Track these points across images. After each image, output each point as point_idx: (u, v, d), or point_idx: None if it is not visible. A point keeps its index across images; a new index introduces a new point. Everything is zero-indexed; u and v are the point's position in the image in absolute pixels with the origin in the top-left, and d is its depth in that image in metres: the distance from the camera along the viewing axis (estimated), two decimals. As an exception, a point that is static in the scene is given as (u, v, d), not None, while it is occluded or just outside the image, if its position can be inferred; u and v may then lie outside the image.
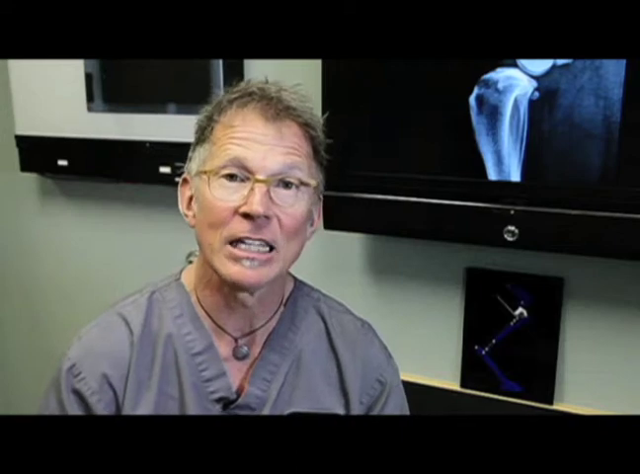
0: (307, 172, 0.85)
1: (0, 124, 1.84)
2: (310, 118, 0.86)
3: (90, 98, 1.64)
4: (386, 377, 0.97)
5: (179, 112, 1.54)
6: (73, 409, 0.87)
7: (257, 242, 0.81)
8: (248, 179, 0.81)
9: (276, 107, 0.83)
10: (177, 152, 1.54)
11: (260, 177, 0.81)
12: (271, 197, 0.81)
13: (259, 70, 1.51)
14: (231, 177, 0.82)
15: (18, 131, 1.76)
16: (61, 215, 1.89)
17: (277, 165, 0.82)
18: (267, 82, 0.87)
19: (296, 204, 0.84)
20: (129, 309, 0.91)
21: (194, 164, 0.87)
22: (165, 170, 1.58)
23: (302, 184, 0.84)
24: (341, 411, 0.93)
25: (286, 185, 0.83)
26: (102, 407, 0.87)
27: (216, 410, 0.89)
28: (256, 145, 0.82)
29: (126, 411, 0.87)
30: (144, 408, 0.87)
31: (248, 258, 0.81)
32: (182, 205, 0.90)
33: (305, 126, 0.85)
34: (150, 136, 1.58)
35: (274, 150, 0.82)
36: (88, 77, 1.64)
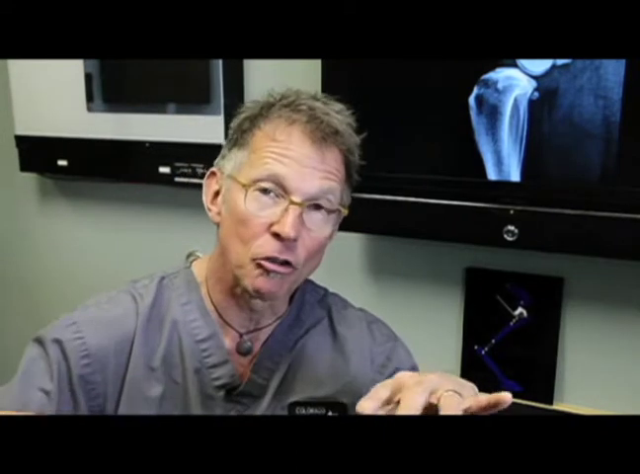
0: (339, 196, 0.86)
1: (0, 124, 1.84)
2: (352, 143, 0.87)
3: (90, 98, 1.64)
4: (397, 357, 0.97)
5: (179, 112, 1.54)
6: (57, 358, 0.86)
7: (280, 261, 0.82)
8: (282, 197, 0.82)
9: (323, 130, 0.83)
10: (177, 152, 1.55)
11: (295, 199, 0.81)
12: (302, 220, 0.82)
13: (259, 70, 1.51)
14: (265, 191, 0.82)
15: (18, 131, 1.76)
16: (61, 215, 1.89)
17: (313, 189, 0.82)
18: (316, 98, 0.87)
19: (324, 228, 0.85)
20: (140, 291, 0.92)
21: (228, 164, 0.87)
22: (165, 170, 1.58)
23: (332, 210, 0.85)
24: (346, 399, 0.93)
25: (317, 207, 0.84)
26: (86, 372, 0.85)
27: (219, 396, 0.89)
28: (296, 165, 0.82)
29: (131, 390, 0.87)
30: (154, 390, 0.87)
31: (274, 271, 0.82)
32: (206, 199, 0.90)
33: (347, 153, 0.86)
34: (150, 136, 1.58)
35: (313, 173, 0.82)
36: (88, 77, 1.64)
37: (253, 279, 0.83)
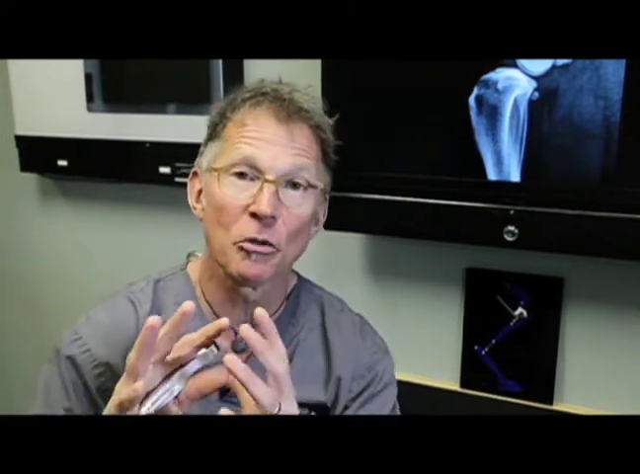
0: (315, 174, 0.87)
1: (0, 124, 1.84)
2: (321, 120, 0.87)
3: (90, 98, 1.64)
4: (379, 368, 0.97)
5: (179, 112, 1.54)
6: (70, 375, 0.89)
7: (261, 242, 0.82)
8: (257, 178, 0.83)
9: (288, 108, 0.84)
10: (177, 152, 1.55)
11: (269, 177, 0.82)
12: (279, 198, 0.83)
13: (259, 70, 1.51)
14: (241, 175, 0.84)
15: (18, 131, 1.76)
16: (61, 216, 1.89)
17: (286, 166, 0.83)
18: (280, 82, 0.88)
19: (303, 205, 0.85)
20: (138, 296, 0.93)
21: (204, 159, 0.89)
22: (165, 170, 1.58)
23: (310, 185, 0.86)
24: (327, 400, 0.94)
25: (294, 185, 0.85)
26: (100, 382, 0.88)
27: (213, 398, 0.89)
28: (267, 145, 0.83)
29: None
30: None
31: (255, 252, 0.83)
32: (191, 198, 0.91)
33: (316, 129, 0.87)
34: (150, 136, 1.58)
35: (284, 151, 0.83)
36: (88, 77, 1.64)
37: (237, 264, 0.83)
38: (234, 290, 0.88)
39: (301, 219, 0.85)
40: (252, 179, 0.83)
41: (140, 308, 0.91)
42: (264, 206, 0.80)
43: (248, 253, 0.82)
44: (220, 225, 0.84)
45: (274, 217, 0.82)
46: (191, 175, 0.92)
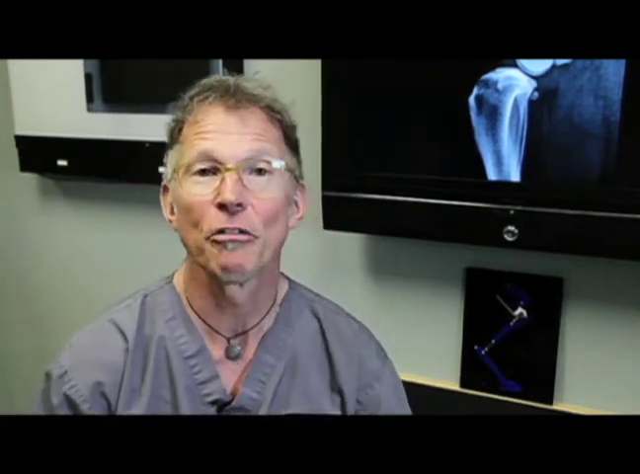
0: (278, 156, 0.85)
1: (0, 124, 1.84)
2: (271, 102, 0.86)
3: (90, 98, 1.64)
4: (382, 379, 0.96)
5: (179, 112, 1.54)
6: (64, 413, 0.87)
7: (235, 231, 0.81)
8: (219, 170, 0.81)
9: (235, 96, 0.83)
10: (177, 152, 1.55)
11: (229, 165, 0.81)
12: (243, 185, 0.81)
13: (259, 70, 1.51)
14: (203, 172, 0.82)
15: (18, 131, 1.76)
16: (61, 216, 1.89)
17: (244, 152, 0.82)
18: (224, 74, 0.88)
19: (269, 189, 0.83)
20: (123, 315, 0.91)
21: (169, 168, 0.88)
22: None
23: (275, 169, 0.84)
24: (337, 411, 0.93)
25: (259, 171, 0.83)
26: (95, 413, 0.86)
27: (211, 413, 0.88)
28: (222, 136, 0.82)
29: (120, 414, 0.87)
30: (135, 412, 0.87)
31: (230, 240, 0.80)
32: (166, 212, 0.90)
33: (268, 110, 0.86)
34: (150, 136, 1.58)
35: (240, 138, 0.82)
36: (88, 77, 1.63)
37: (216, 258, 0.81)
38: (221, 295, 0.86)
39: (273, 203, 0.83)
40: (214, 173, 0.82)
41: (125, 328, 0.89)
42: (228, 194, 0.79)
43: (224, 244, 0.80)
44: (192, 225, 0.82)
45: (240, 205, 0.80)
46: (161, 190, 0.90)
